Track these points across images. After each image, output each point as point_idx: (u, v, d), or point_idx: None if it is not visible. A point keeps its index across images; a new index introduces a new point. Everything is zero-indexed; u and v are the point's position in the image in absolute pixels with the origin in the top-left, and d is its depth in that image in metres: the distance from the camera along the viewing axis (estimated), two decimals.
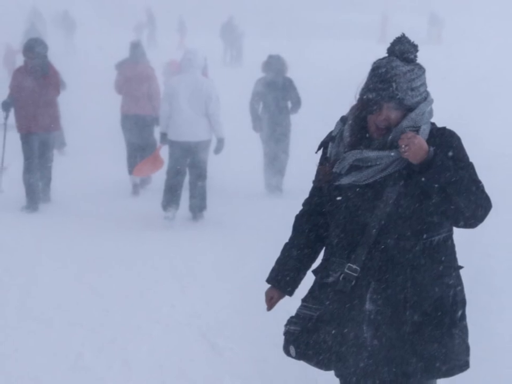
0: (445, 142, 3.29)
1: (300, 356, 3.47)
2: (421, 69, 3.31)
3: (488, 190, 3.35)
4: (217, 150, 9.32)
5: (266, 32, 35.98)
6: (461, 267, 3.44)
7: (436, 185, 3.17)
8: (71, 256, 7.71)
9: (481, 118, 15.30)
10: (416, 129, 3.28)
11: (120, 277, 7.07)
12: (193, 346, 5.56)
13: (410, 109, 3.28)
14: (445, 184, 3.16)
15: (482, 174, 3.47)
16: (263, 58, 11.15)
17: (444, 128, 3.37)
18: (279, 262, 3.65)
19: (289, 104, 10.86)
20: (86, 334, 5.75)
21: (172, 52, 20.66)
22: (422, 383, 3.44)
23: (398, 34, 3.39)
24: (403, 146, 3.18)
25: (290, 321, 3.52)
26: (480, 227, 3.40)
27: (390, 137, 3.27)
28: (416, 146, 3.15)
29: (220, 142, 9.26)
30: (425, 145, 3.17)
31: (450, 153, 3.25)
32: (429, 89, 3.41)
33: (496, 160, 11.78)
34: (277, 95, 10.75)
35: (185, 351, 5.48)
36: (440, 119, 3.68)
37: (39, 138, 9.58)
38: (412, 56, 3.31)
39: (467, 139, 3.62)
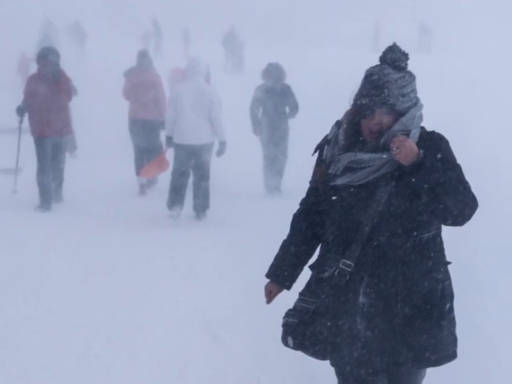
0: (434, 144, 3.30)
1: (297, 346, 3.48)
2: (412, 76, 3.32)
3: (477, 191, 3.36)
4: (220, 153, 9.33)
5: (266, 41, 35.96)
6: (449, 263, 3.46)
7: (426, 186, 3.18)
8: (78, 256, 7.66)
9: (473, 122, 15.29)
10: (407, 133, 3.29)
11: (124, 277, 7.01)
12: (195, 345, 5.51)
13: (401, 114, 3.29)
14: (434, 184, 3.17)
15: (473, 176, 3.47)
16: (263, 66, 11.16)
17: (433, 132, 3.38)
18: (277, 258, 3.66)
19: (287, 109, 10.87)
20: (89, 335, 5.64)
21: (177, 60, 20.64)
22: (412, 372, 3.46)
23: (390, 43, 3.40)
24: (394, 148, 3.19)
25: (288, 314, 3.53)
26: (467, 226, 3.41)
27: (382, 140, 3.28)
28: (407, 149, 3.16)
29: (222, 144, 9.26)
30: (415, 147, 3.18)
31: (439, 155, 3.26)
32: (423, 95, 3.42)
33: (487, 164, 11.76)
34: (275, 101, 10.75)
35: (187, 349, 5.42)
36: (433, 123, 3.69)
37: (52, 142, 9.59)
38: (403, 64, 3.32)
39: (459, 143, 3.63)
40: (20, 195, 10.32)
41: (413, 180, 3.19)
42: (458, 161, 3.34)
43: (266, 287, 3.67)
